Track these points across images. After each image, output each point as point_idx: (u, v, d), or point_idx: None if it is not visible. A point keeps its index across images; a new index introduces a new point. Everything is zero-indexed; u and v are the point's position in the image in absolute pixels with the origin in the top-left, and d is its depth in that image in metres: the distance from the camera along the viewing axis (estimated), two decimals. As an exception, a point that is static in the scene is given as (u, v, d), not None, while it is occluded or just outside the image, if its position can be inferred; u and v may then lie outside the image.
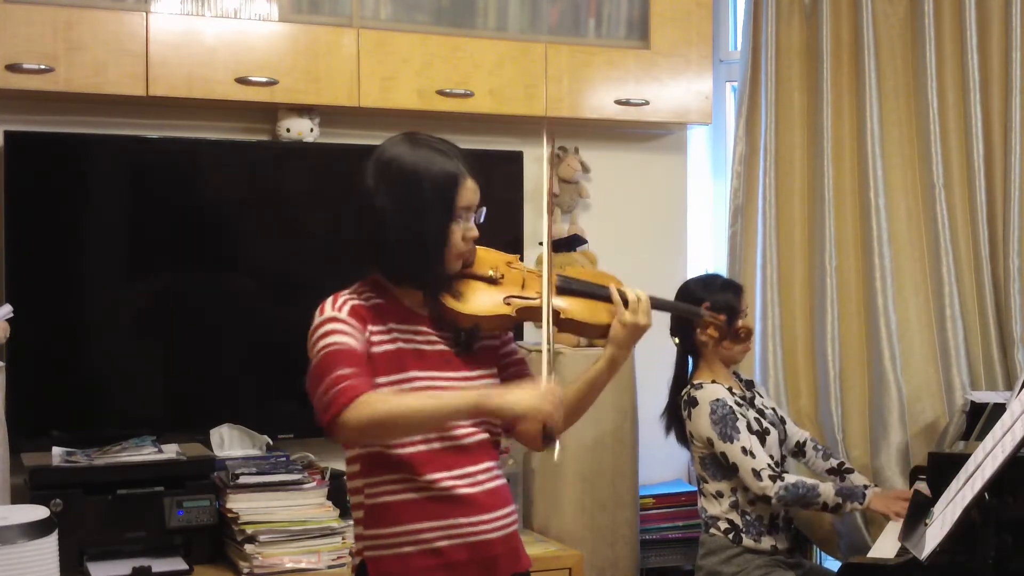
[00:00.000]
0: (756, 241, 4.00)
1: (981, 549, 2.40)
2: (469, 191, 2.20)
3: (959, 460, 2.53)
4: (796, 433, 3.57)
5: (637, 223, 4.15)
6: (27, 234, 3.26)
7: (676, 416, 3.43)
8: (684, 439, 3.44)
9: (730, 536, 3.30)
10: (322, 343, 2.11)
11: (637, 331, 2.30)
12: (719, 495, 3.33)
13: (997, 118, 3.82)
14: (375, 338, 2.16)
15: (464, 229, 2.20)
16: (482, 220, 2.25)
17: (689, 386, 3.37)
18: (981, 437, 2.76)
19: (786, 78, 3.99)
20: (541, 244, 3.78)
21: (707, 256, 4.38)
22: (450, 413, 2.11)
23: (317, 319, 2.16)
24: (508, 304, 2.24)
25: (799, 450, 3.57)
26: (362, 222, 2.20)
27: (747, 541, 3.29)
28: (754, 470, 3.21)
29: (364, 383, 2.07)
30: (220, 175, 3.53)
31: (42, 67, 3.18)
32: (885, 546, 2.92)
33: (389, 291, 2.21)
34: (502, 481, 2.27)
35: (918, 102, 3.88)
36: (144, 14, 3.29)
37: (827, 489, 3.20)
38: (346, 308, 2.16)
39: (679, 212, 4.27)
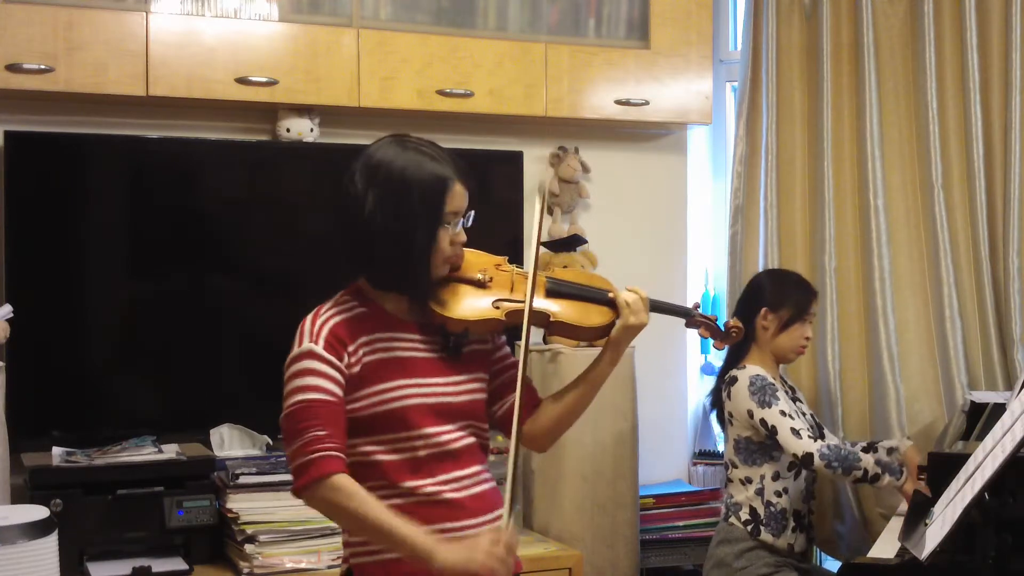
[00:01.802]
0: (757, 241, 4.00)
1: (981, 549, 2.40)
2: (458, 196, 2.15)
3: (959, 460, 2.52)
4: (830, 438, 3.58)
5: (637, 223, 4.15)
6: (27, 234, 3.26)
7: (720, 399, 3.45)
8: (723, 421, 3.46)
9: (749, 528, 3.30)
10: (295, 384, 2.10)
11: (638, 330, 2.29)
12: (747, 481, 3.33)
13: (997, 118, 3.82)
14: (357, 355, 2.13)
15: (452, 234, 2.17)
16: (470, 224, 2.22)
17: (735, 368, 3.39)
18: (981, 437, 2.76)
19: (786, 78, 3.99)
20: (540, 244, 3.80)
21: (707, 256, 4.38)
22: (399, 543, 2.06)
23: (295, 349, 2.13)
24: (497, 308, 2.22)
25: None
26: (349, 227, 2.17)
27: (765, 535, 3.28)
28: (793, 429, 3.19)
29: (338, 457, 2.06)
30: (220, 175, 3.53)
31: (42, 67, 3.18)
32: (885, 546, 2.91)
33: (373, 299, 2.19)
34: (491, 485, 2.25)
35: (918, 102, 3.88)
36: (144, 14, 3.29)
37: (868, 458, 3.18)
38: (324, 334, 2.12)
39: (679, 212, 4.27)
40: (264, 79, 3.41)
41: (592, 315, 2.28)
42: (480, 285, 2.23)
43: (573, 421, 2.34)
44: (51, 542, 2.38)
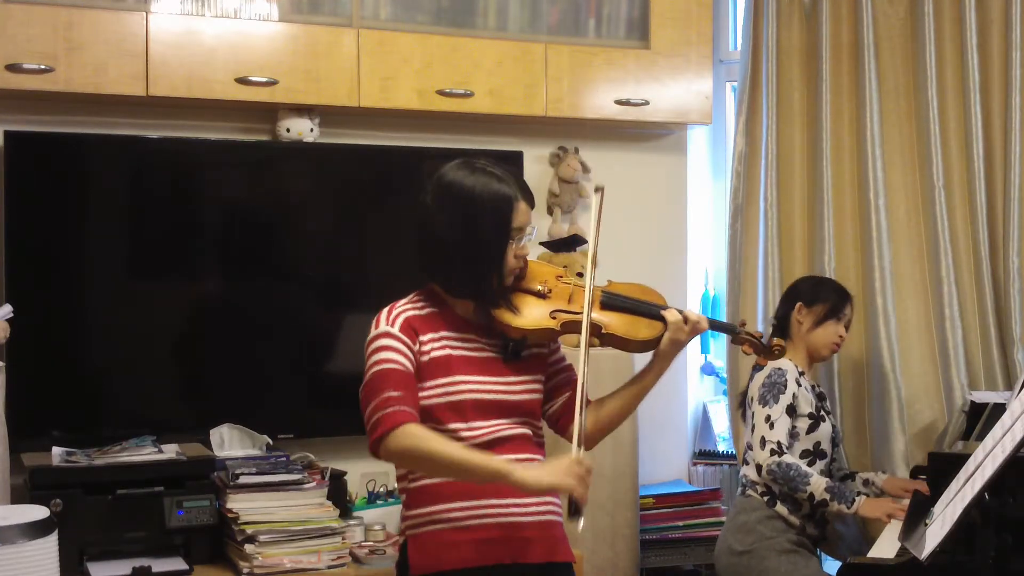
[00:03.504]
0: (757, 241, 4.00)
1: (981, 549, 2.40)
2: (522, 213, 2.34)
3: (959, 460, 2.53)
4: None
5: (637, 223, 4.15)
6: (27, 234, 3.26)
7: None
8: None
9: (766, 499, 3.34)
10: (374, 359, 2.28)
11: (683, 346, 2.47)
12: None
13: (997, 118, 3.82)
14: (427, 347, 2.31)
15: (516, 248, 2.35)
16: (533, 237, 2.40)
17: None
18: (981, 437, 2.77)
19: (786, 78, 3.99)
20: (540, 244, 3.80)
21: (707, 256, 4.38)
22: (474, 471, 2.23)
23: (372, 332, 2.31)
24: (554, 318, 2.37)
25: None
26: (421, 239, 2.35)
27: (780, 508, 3.32)
28: (763, 438, 3.29)
29: (408, 411, 2.22)
30: (220, 175, 3.53)
31: (42, 67, 3.18)
32: (885, 546, 2.92)
33: (444, 301, 2.38)
34: None
35: (918, 102, 3.88)
36: (144, 14, 3.29)
37: (817, 482, 3.23)
38: (399, 321, 2.32)
39: (679, 212, 4.27)
40: (264, 79, 3.41)
41: (641, 329, 2.42)
42: (541, 296, 2.38)
43: (617, 425, 2.50)
44: (51, 542, 2.37)
